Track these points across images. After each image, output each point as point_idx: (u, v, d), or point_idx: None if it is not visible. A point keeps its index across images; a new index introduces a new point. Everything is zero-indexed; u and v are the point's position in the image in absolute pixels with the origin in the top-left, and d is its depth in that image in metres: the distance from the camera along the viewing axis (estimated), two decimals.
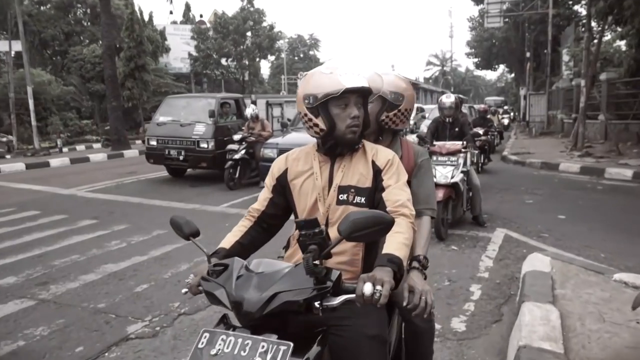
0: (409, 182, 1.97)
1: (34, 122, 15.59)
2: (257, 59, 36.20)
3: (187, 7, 37.44)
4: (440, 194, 5.12)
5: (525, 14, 25.16)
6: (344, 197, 1.72)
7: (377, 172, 1.73)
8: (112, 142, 16.54)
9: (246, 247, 1.76)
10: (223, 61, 31.99)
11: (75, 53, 28.52)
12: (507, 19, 26.96)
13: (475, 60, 38.74)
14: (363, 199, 1.71)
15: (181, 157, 9.54)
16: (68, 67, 29.69)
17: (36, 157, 14.73)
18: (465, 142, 5.64)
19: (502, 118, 24.20)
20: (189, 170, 10.58)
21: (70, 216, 6.85)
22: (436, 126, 6.05)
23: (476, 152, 6.29)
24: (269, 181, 1.86)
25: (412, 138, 8.42)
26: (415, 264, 1.79)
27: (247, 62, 33.89)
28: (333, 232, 1.68)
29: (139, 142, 19.36)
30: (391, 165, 1.74)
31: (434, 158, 5.55)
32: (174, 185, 9.58)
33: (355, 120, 1.70)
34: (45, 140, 17.91)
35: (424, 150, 2.14)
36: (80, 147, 19.35)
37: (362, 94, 1.73)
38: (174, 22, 36.69)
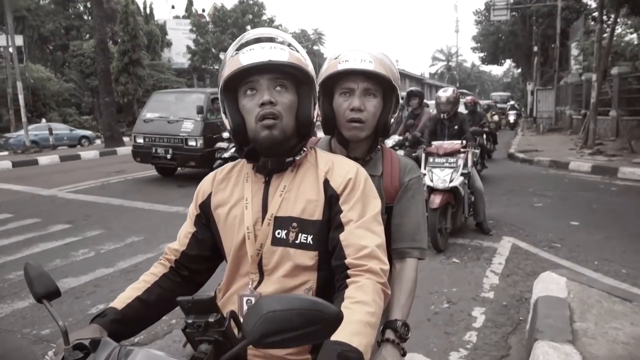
0: (390, 209, 1.44)
1: (24, 119, 15.15)
2: None
3: (190, 2, 36.95)
4: (437, 200, 4.58)
5: (533, 6, 24.45)
6: (281, 234, 1.18)
7: (332, 198, 1.19)
8: (105, 139, 16.10)
9: (152, 305, 1.21)
10: (222, 55, 31.49)
11: (75, 48, 28.18)
12: (514, 12, 26.25)
13: (481, 55, 37.94)
14: (309, 239, 1.17)
15: (169, 156, 9.04)
16: (68, 62, 29.36)
17: (26, 155, 14.31)
18: (464, 141, 5.07)
19: (507, 115, 22.96)
20: (178, 169, 10.09)
21: (44, 220, 6.37)
22: (434, 124, 5.46)
23: (477, 151, 5.70)
24: (192, 209, 1.33)
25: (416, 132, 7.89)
26: (389, 334, 1.25)
27: None
28: (270, 286, 1.16)
29: None
30: (353, 188, 1.19)
31: (431, 160, 4.98)
32: (161, 186, 9.08)
33: (265, 108, 1.15)
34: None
35: (413, 165, 1.54)
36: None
37: (274, 72, 1.18)
38: (177, 17, 36.26)
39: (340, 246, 1.13)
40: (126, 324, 1.16)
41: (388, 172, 1.49)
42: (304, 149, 1.25)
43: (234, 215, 1.23)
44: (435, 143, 5.16)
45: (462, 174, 4.88)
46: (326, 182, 1.20)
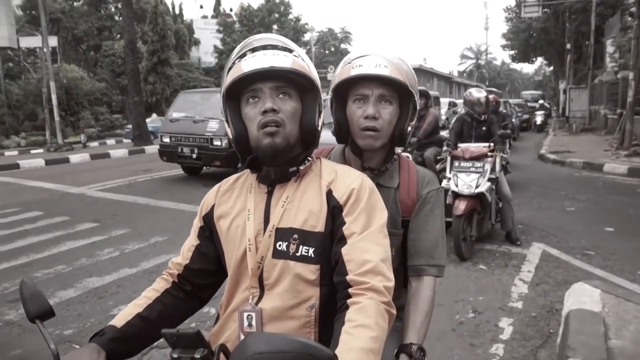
0: (406, 223, 1.36)
1: (57, 118, 15.56)
2: None
3: (218, 1, 37.34)
4: (461, 207, 4.42)
5: (566, 2, 23.73)
6: (282, 246, 1.12)
7: (335, 210, 1.12)
8: (134, 138, 16.38)
9: (153, 322, 1.16)
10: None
11: (106, 48, 28.85)
12: (546, 9, 25.53)
13: (512, 52, 37.13)
14: (311, 251, 1.11)
15: (194, 155, 9.11)
16: (100, 62, 30.08)
17: (58, 153, 14.68)
18: (492, 144, 4.90)
19: (534, 116, 21.71)
20: (204, 168, 10.17)
21: (72, 218, 6.49)
22: (461, 126, 5.29)
23: (507, 155, 5.50)
24: (196, 222, 1.29)
25: (442, 134, 7.71)
26: (403, 359, 1.18)
27: None
28: (271, 302, 1.09)
29: None
30: (357, 199, 1.12)
31: (456, 164, 4.82)
32: (186, 185, 9.16)
33: (268, 116, 1.11)
34: (77, 135, 18.01)
35: (432, 176, 1.45)
36: (111, 141, 19.49)
37: (276, 79, 1.14)
38: (205, 17, 36.71)
39: (342, 261, 1.06)
40: (126, 343, 1.12)
41: (405, 183, 1.41)
42: (309, 158, 1.20)
43: (236, 227, 1.18)
44: (461, 146, 4.99)
45: (489, 179, 4.70)
46: (329, 193, 1.15)
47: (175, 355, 0.81)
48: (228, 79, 1.16)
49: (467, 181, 4.65)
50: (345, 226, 1.09)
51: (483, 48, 64.91)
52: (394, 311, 1.03)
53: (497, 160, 4.97)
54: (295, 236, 1.12)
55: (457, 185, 4.65)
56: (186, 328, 0.83)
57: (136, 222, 6.29)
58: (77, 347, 3.10)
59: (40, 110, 18.53)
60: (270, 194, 1.18)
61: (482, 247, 4.92)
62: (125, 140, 19.50)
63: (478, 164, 4.73)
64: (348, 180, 1.16)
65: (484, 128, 5.20)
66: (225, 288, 1.22)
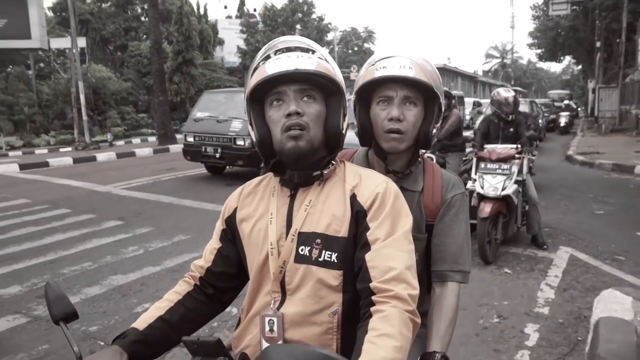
0: (430, 228, 1.34)
1: (84, 117, 15.91)
2: None
3: (242, 2, 37.63)
4: (487, 209, 4.33)
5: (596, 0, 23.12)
6: (305, 250, 1.10)
7: (359, 214, 1.10)
8: (159, 137, 16.63)
9: (175, 325, 1.17)
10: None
11: (133, 48, 29.35)
12: (575, 6, 24.92)
13: (538, 51, 36.41)
14: (334, 257, 1.09)
15: (217, 155, 9.19)
16: (127, 62, 30.64)
17: (86, 151, 15.01)
18: (520, 146, 4.79)
19: (558, 117, 20.15)
20: (227, 168, 10.25)
21: (98, 216, 6.62)
22: (487, 126, 5.18)
23: (534, 157, 5.37)
24: (219, 225, 1.29)
25: (467, 134, 7.58)
26: None
27: None
28: (293, 307, 1.08)
29: None
30: (381, 204, 1.10)
31: (482, 165, 4.72)
32: (209, 184, 9.25)
33: (292, 119, 1.10)
34: (104, 134, 18.40)
35: (457, 180, 1.42)
36: (136, 140, 19.82)
37: (300, 82, 1.13)
38: (229, 17, 37.04)
39: (365, 267, 1.04)
40: (148, 345, 1.12)
41: (429, 187, 1.38)
42: (333, 162, 1.18)
43: (259, 230, 1.18)
44: (488, 147, 4.89)
45: (516, 182, 4.60)
46: (353, 197, 1.12)
47: None
48: (252, 81, 1.15)
49: (493, 183, 4.55)
50: (369, 232, 1.07)
51: (509, 47, 63.86)
52: (419, 320, 1.00)
53: (525, 162, 4.87)
54: (318, 241, 1.10)
55: (482, 187, 4.56)
56: (207, 336, 0.83)
57: (160, 220, 6.38)
58: (102, 343, 3.15)
59: (69, 109, 18.98)
60: (293, 198, 1.17)
61: (507, 250, 4.82)
62: (150, 139, 19.84)
63: (505, 166, 4.63)
64: (372, 185, 1.13)
65: (511, 129, 5.09)
66: (247, 292, 1.22)
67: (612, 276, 4.09)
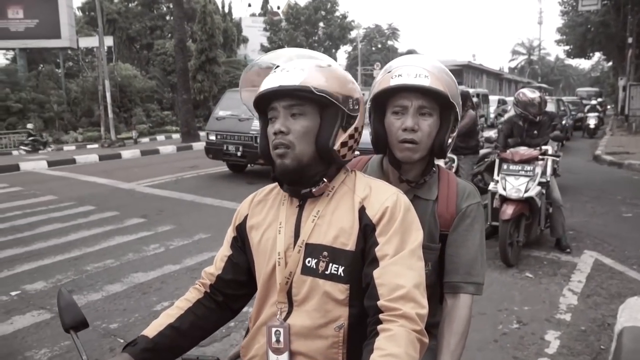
0: (444, 238, 1.32)
1: (110, 115, 16.22)
2: (334, 50, 35.80)
3: (265, 0, 37.82)
4: (509, 211, 4.25)
5: None
6: (311, 263, 1.10)
7: (367, 228, 1.08)
8: (182, 135, 16.85)
9: (185, 333, 1.18)
10: None
11: (158, 47, 29.81)
12: (605, 1, 24.21)
13: (567, 48, 35.52)
14: (340, 270, 1.08)
15: (239, 153, 9.27)
16: (152, 60, 31.15)
17: (111, 149, 15.31)
18: (543, 147, 4.67)
19: (586, 118, 17.68)
20: (248, 166, 10.32)
21: (121, 213, 6.75)
22: (511, 128, 5.07)
23: (559, 159, 5.23)
24: (230, 232, 1.29)
25: (490, 134, 7.46)
26: None
27: (323, 51, 33.64)
28: (299, 319, 1.08)
29: None
30: (391, 219, 1.07)
31: (505, 166, 4.63)
32: (231, 182, 9.33)
33: (277, 138, 1.10)
34: (129, 131, 18.76)
35: (472, 189, 1.39)
36: (161, 137, 20.14)
37: (284, 96, 1.12)
38: (253, 15, 37.27)
39: (373, 284, 1.02)
40: (157, 353, 1.14)
41: (444, 196, 1.36)
42: (324, 179, 1.15)
43: (267, 239, 1.18)
44: (511, 149, 4.79)
45: (539, 183, 4.50)
46: (362, 210, 1.11)
47: None
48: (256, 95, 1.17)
49: (515, 185, 4.46)
50: (378, 247, 1.05)
51: (536, 43, 62.47)
52: (427, 340, 0.99)
53: (549, 163, 4.76)
54: (325, 253, 1.09)
55: (505, 189, 4.48)
56: (206, 355, 0.84)
57: (181, 218, 6.46)
58: (122, 341, 3.21)
59: (96, 107, 19.40)
60: (301, 208, 1.16)
61: (530, 253, 4.72)
62: (174, 136, 20.12)
63: (528, 167, 4.53)
64: (382, 198, 1.11)
65: (535, 131, 4.96)
66: (255, 301, 1.22)
67: (638, 283, 3.97)
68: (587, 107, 18.10)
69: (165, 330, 1.15)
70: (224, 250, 1.27)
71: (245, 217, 1.25)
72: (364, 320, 1.06)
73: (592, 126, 17.40)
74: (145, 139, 19.17)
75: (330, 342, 1.08)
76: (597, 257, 4.61)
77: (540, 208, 4.56)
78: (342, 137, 1.13)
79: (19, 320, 3.53)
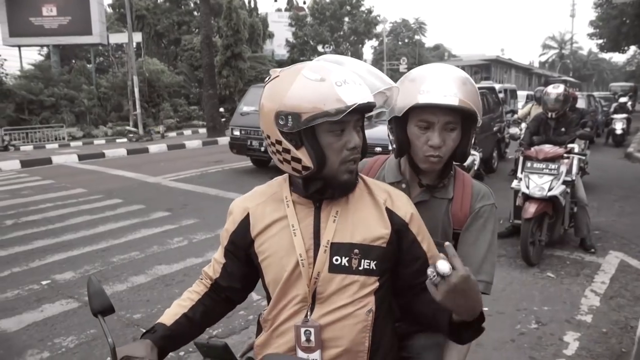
0: (457, 236, 1.37)
1: (138, 109, 16.56)
2: (360, 45, 35.64)
3: None
4: (531, 209, 4.19)
5: None
6: (341, 261, 1.15)
7: (402, 227, 1.20)
8: (208, 129, 17.10)
9: (196, 322, 1.26)
10: (320, 48, 31.87)
11: (185, 42, 30.25)
12: None
13: (600, 41, 34.45)
14: (372, 264, 1.16)
15: (262, 149, 9.34)
16: (179, 56, 31.63)
17: (139, 143, 15.66)
18: (568, 145, 4.58)
19: (612, 122, 13.61)
20: (272, 161, 10.40)
21: (147, 207, 6.92)
22: (537, 125, 4.98)
23: (584, 157, 5.11)
24: (224, 235, 1.29)
25: (518, 130, 7.32)
26: None
27: (348, 46, 33.47)
28: (327, 313, 1.13)
29: None
30: (421, 224, 1.25)
31: (528, 164, 4.56)
32: (254, 177, 9.43)
33: (354, 153, 1.14)
34: (157, 126, 19.17)
35: (487, 191, 1.42)
36: (187, 132, 20.51)
37: (362, 113, 1.15)
38: (279, 10, 37.38)
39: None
40: (173, 340, 1.22)
41: (459, 196, 1.40)
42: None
43: (280, 243, 1.19)
44: (535, 147, 4.71)
45: (564, 182, 4.42)
46: (390, 211, 1.20)
47: None
48: (319, 102, 1.16)
49: (539, 183, 4.39)
50: (419, 245, 1.22)
51: (568, 37, 60.79)
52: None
53: (575, 162, 4.66)
54: (357, 251, 1.15)
55: (528, 187, 4.42)
56: (216, 340, 0.89)
57: (205, 212, 6.59)
58: (144, 330, 3.31)
59: (126, 102, 19.88)
60: (318, 209, 1.19)
61: (552, 253, 4.65)
62: (200, 131, 20.43)
63: (552, 166, 4.45)
64: (404, 204, 1.24)
65: (562, 129, 4.86)
66: (271, 302, 1.21)
67: None
68: (614, 106, 14.28)
69: (180, 319, 1.23)
70: (220, 257, 1.30)
71: (244, 221, 1.24)
72: (388, 303, 1.22)
73: (618, 131, 13.38)
74: (173, 134, 19.53)
75: (360, 326, 1.14)
76: (623, 258, 4.50)
77: (565, 207, 4.48)
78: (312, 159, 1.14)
79: (49, 309, 3.69)
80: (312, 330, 1.13)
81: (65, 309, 3.67)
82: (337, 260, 1.14)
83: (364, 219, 1.17)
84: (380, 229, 1.16)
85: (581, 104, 11.75)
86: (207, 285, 1.31)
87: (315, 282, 1.15)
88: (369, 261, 1.15)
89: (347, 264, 1.14)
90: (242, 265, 1.27)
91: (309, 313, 1.15)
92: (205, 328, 1.31)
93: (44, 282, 4.19)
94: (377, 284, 1.16)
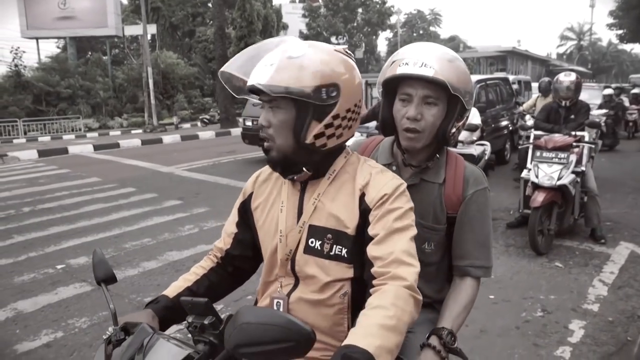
0: (451, 220, 1.37)
1: (152, 101, 16.73)
2: (374, 37, 35.38)
3: None
4: (539, 199, 4.16)
5: None
6: (315, 244, 1.17)
7: (365, 212, 1.14)
8: (221, 120, 17.21)
9: (200, 296, 1.25)
10: (333, 39, 31.76)
11: (200, 34, 30.38)
12: None
13: (620, 32, 33.72)
14: (344, 251, 1.15)
15: None
16: (194, 47, 31.80)
17: (153, 134, 15.84)
18: (576, 133, 4.54)
19: (626, 112, 12.34)
20: None
21: (160, 195, 7.03)
22: (547, 114, 4.95)
23: (595, 146, 5.04)
24: (236, 208, 1.36)
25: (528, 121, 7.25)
26: (432, 340, 1.20)
27: (362, 37, 33.25)
28: (305, 291, 1.19)
29: None
30: (384, 202, 1.13)
31: (538, 153, 4.53)
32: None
33: (262, 132, 1.18)
34: (171, 117, 19.37)
35: (479, 175, 1.40)
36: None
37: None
38: (293, 1, 37.30)
39: (367, 259, 1.10)
40: (175, 311, 1.23)
41: (451, 179, 1.39)
42: (304, 169, 1.17)
43: (271, 218, 1.25)
44: (545, 136, 4.68)
45: (573, 172, 4.38)
46: (362, 197, 1.16)
47: (189, 320, 0.94)
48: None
49: (548, 172, 4.36)
50: (370, 227, 1.12)
51: (586, 28, 59.57)
52: (419, 296, 1.03)
53: (585, 151, 4.62)
54: (330, 236, 1.16)
55: (537, 176, 4.39)
56: (198, 298, 0.94)
57: (216, 201, 6.67)
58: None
59: (141, 93, 20.08)
60: (303, 190, 1.22)
61: (562, 243, 4.62)
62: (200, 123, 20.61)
63: (562, 155, 4.42)
64: (380, 184, 1.16)
65: (572, 116, 4.83)
66: (261, 275, 1.30)
67: None
68: (630, 96, 13.64)
69: (184, 292, 1.26)
70: (231, 226, 1.35)
71: (250, 195, 1.32)
72: (363, 288, 1.13)
73: (630, 119, 12.62)
74: (187, 125, 19.69)
75: (336, 309, 1.17)
76: (633, 249, 4.46)
77: (575, 197, 4.45)
78: (316, 129, 1.12)
79: (63, 291, 3.80)
80: (281, 301, 1.19)
81: (78, 292, 3.78)
82: (312, 242, 1.17)
83: (340, 205, 1.17)
84: (350, 215, 1.15)
85: (596, 96, 11.20)
86: (215, 261, 1.35)
87: (287, 258, 1.19)
88: (340, 247, 1.15)
89: (319, 247, 1.16)
90: (252, 236, 1.32)
91: (289, 288, 1.20)
92: (213, 302, 1.35)
93: (58, 267, 4.31)
94: (351, 271, 1.16)
